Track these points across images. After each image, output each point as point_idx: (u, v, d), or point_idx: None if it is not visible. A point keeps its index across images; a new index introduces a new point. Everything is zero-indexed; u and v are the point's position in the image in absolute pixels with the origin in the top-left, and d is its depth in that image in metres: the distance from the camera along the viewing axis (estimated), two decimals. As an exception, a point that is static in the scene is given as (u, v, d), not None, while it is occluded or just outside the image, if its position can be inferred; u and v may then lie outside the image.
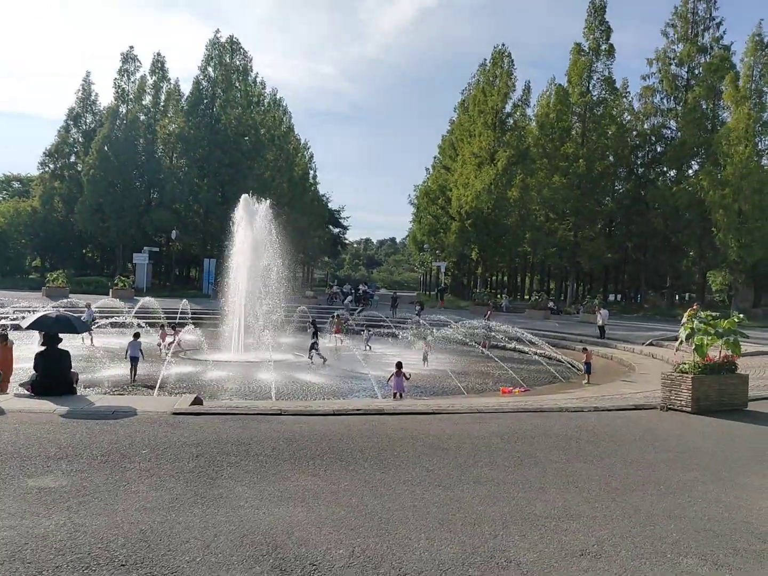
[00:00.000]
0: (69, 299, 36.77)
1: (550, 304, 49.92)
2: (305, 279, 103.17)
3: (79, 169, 68.14)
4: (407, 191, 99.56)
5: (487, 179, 53.27)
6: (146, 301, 35.16)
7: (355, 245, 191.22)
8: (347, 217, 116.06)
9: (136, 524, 5.03)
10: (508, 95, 57.69)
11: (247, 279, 27.30)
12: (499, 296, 63.73)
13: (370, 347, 28.10)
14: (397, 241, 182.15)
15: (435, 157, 74.91)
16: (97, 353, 24.25)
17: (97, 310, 32.80)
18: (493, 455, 7.72)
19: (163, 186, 63.67)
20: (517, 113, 59.96)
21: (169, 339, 23.82)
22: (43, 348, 10.44)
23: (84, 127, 70.78)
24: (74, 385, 10.57)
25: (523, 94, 59.46)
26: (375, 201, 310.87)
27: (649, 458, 8.05)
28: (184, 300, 37.55)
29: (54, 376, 10.16)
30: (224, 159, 61.26)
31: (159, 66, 67.83)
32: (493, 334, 29.13)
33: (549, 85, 61.31)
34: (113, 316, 30.82)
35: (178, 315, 36.35)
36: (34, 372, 10.41)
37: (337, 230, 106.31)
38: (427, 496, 6.07)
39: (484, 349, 26.80)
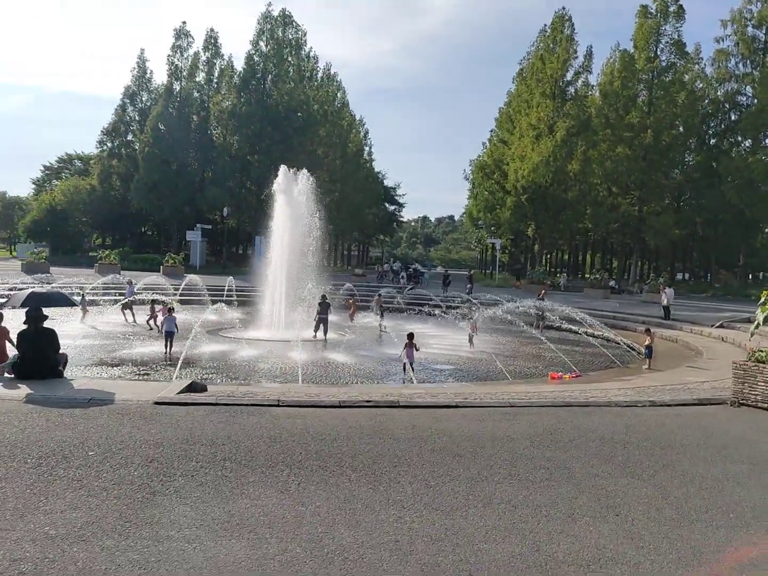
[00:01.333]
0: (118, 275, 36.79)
1: (611, 282, 47.40)
2: (360, 257, 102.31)
3: (135, 147, 68.61)
4: (465, 168, 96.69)
5: (545, 151, 50.70)
6: (191, 278, 34.85)
7: (412, 223, 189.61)
8: (403, 195, 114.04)
9: (19, 560, 3.85)
10: (569, 62, 54.69)
11: (287, 255, 26.26)
12: (557, 275, 61.22)
13: (383, 326, 26.49)
14: (456, 219, 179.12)
15: (491, 131, 72.34)
16: (136, 330, 23.92)
17: (143, 286, 32.65)
18: (516, 465, 6.26)
19: (215, 163, 63.44)
20: (579, 81, 56.91)
21: (161, 317, 23.03)
22: (24, 327, 9.50)
23: (140, 105, 71.09)
24: (60, 368, 9.59)
25: (584, 60, 56.29)
26: (433, 178, 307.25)
27: (716, 473, 6.43)
28: (230, 278, 36.92)
29: (36, 359, 9.21)
30: (275, 135, 60.47)
31: (212, 42, 67.29)
32: (547, 314, 27.26)
33: (612, 52, 57.78)
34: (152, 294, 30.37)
35: (225, 292, 35.91)
36: (16, 354, 9.49)
37: (392, 208, 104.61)
38: (418, 525, 4.69)
39: (536, 331, 25.05)
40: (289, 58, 66.50)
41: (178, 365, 16.18)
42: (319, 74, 76.81)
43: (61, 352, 9.83)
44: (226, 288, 36.39)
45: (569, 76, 55.68)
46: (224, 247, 68.79)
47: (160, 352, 18.36)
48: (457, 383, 16.37)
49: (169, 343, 18.02)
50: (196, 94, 65.68)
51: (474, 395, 10.05)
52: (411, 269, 53.57)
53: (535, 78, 55.11)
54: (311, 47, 74.26)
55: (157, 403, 7.99)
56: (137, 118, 70.62)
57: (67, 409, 7.60)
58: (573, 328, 25.52)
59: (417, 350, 16.14)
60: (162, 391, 8.70)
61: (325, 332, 22.86)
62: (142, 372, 16.23)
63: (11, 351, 10.36)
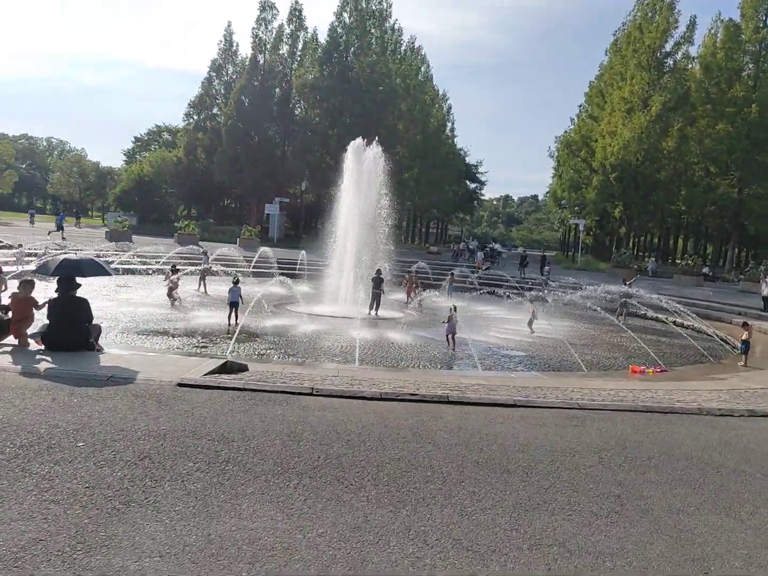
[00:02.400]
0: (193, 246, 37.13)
1: (705, 269, 44.22)
2: (438, 235, 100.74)
3: (220, 120, 69.36)
4: (551, 145, 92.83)
5: (637, 127, 47.59)
6: (264, 251, 34.77)
7: (494, 202, 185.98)
8: (485, 173, 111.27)
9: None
10: (669, 32, 50.91)
11: (355, 230, 25.48)
12: (645, 259, 57.95)
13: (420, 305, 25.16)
14: (539, 198, 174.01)
15: (580, 106, 68.80)
16: (205, 300, 23.82)
17: (219, 257, 32.80)
18: (578, 490, 5.08)
19: (295, 137, 63.28)
20: (678, 53, 52.93)
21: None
22: (55, 295, 8.98)
23: (225, 78, 71.65)
24: (91, 340, 9.04)
25: (686, 30, 52.23)
26: (518, 157, 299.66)
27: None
28: (303, 251, 36.59)
29: (65, 329, 8.67)
30: (356, 108, 59.62)
31: (296, 15, 66.71)
32: (631, 302, 25.25)
33: (714, 22, 53.41)
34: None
35: (297, 266, 35.69)
36: (46, 322, 9.00)
37: (473, 185, 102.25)
38: (440, 572, 3.65)
39: (618, 319, 23.29)
40: (373, 30, 65.26)
41: (233, 340, 15.70)
42: (403, 47, 75.05)
43: (94, 323, 9.29)
44: (298, 262, 36.18)
45: (668, 47, 51.95)
46: (302, 221, 68.88)
47: (224, 323, 18.05)
48: (525, 372, 15.12)
49: (234, 314, 17.89)
50: (279, 67, 65.43)
51: (538, 391, 8.84)
52: (488, 248, 51.84)
53: (631, 48, 51.70)
54: (396, 19, 72.43)
55: (180, 384, 7.26)
56: (222, 91, 71.27)
57: (81, 387, 6.96)
58: (659, 316, 23.58)
59: (457, 321, 17.01)
60: (191, 370, 7.97)
61: (377, 308, 22.29)
62: (200, 344, 15.89)
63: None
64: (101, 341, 9.85)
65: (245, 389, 7.27)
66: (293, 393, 7.33)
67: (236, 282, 18.42)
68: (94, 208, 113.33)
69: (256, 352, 15.33)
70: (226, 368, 8.50)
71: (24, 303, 9.09)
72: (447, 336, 17.04)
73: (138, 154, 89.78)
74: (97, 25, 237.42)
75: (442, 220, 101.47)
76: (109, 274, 9.71)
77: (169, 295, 21.36)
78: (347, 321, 20.39)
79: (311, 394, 7.36)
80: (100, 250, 34.56)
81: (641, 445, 6.41)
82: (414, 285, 27.72)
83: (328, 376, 9.91)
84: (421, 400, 7.49)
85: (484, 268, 41.13)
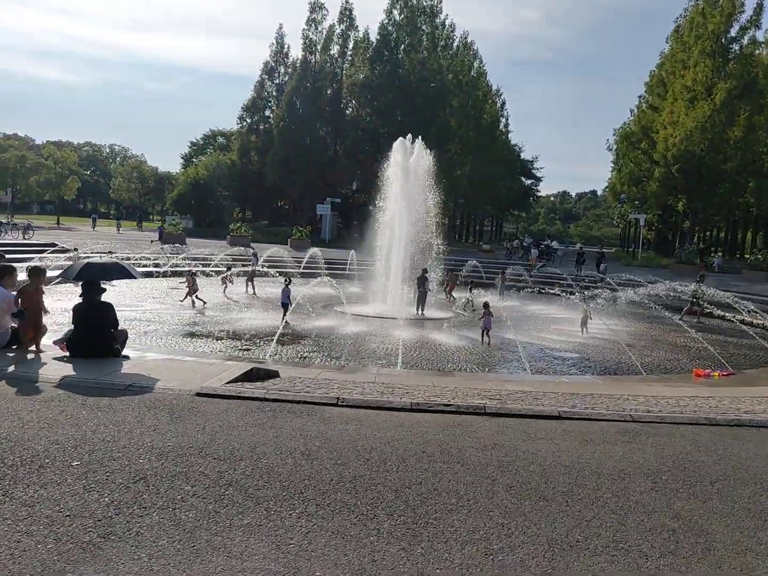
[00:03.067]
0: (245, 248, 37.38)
1: (776, 264, 41.81)
2: (493, 232, 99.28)
3: (272, 122, 69.89)
4: (609, 137, 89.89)
5: (701, 116, 45.47)
6: (313, 252, 34.71)
7: (551, 198, 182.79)
8: (540, 168, 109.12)
9: None
10: (734, 16, 48.49)
11: (403, 229, 24.95)
12: (711, 254, 55.45)
13: (471, 304, 24.31)
14: (598, 194, 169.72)
15: (640, 97, 66.36)
16: (254, 301, 23.74)
17: (269, 258, 32.87)
18: (625, 522, 4.37)
19: (347, 136, 63.16)
20: (744, 38, 50.36)
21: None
22: (80, 300, 8.71)
23: (277, 80, 72.11)
24: (117, 346, 8.74)
25: (753, 14, 49.62)
26: (576, 152, 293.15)
27: None
28: (352, 251, 36.33)
29: (88, 335, 8.40)
30: (406, 106, 59.04)
31: (347, 14, 66.57)
32: (698, 299, 23.70)
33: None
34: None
35: (347, 266, 35.53)
36: (71, 327, 8.75)
37: (529, 182, 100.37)
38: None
39: (685, 318, 22.07)
40: (423, 26, 64.63)
41: (273, 342, 15.40)
42: (455, 43, 74.09)
43: (120, 328, 9.01)
44: (348, 262, 35.95)
45: (733, 31, 49.55)
46: (354, 221, 68.68)
47: (268, 325, 17.82)
48: (578, 376, 14.25)
49: (284, 315, 17.95)
50: (329, 67, 65.44)
51: (588, 400, 8.08)
52: (543, 245, 50.46)
53: (694, 35, 49.50)
54: (446, 14, 71.65)
55: (198, 394, 6.85)
56: (274, 93, 71.79)
57: (94, 397, 6.62)
58: (726, 315, 22.17)
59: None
60: (214, 378, 7.56)
61: (423, 308, 22.04)
62: (243, 347, 15.70)
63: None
64: (128, 346, 9.56)
65: (266, 399, 6.81)
66: (317, 403, 6.82)
67: (288, 283, 18.84)
68: (155, 212, 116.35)
69: (299, 355, 14.98)
70: (253, 375, 8.07)
71: (35, 296, 8.81)
72: (482, 332, 17.38)
73: (194, 158, 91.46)
74: (157, 33, 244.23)
75: (497, 217, 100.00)
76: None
77: (187, 298, 21.08)
78: (393, 322, 19.89)
79: (336, 405, 6.84)
80: (152, 253, 35.11)
81: (703, 466, 5.62)
82: (453, 284, 27.30)
83: (362, 382, 9.39)
84: (455, 411, 6.87)
85: (539, 266, 39.97)
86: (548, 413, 6.99)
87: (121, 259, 29.60)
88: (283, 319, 17.89)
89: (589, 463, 5.50)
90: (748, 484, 5.26)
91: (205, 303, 21.19)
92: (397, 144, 26.62)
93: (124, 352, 9.24)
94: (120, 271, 8.84)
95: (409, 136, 27.54)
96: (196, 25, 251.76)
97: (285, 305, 18.37)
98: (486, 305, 17.55)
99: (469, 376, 12.89)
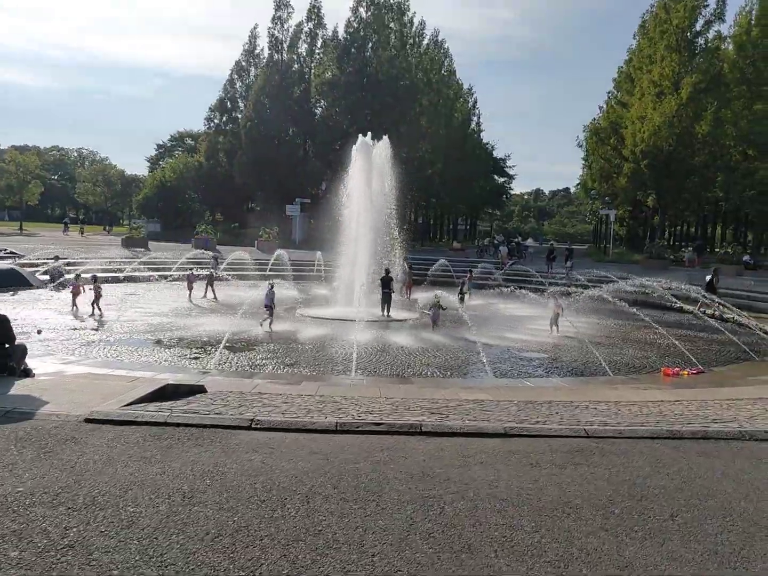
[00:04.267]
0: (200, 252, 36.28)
1: (745, 257, 41.73)
2: (468, 231, 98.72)
3: (240, 123, 68.50)
4: (579, 134, 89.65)
5: (668, 111, 45.19)
6: (280, 253, 33.89)
7: (525, 196, 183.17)
8: (513, 166, 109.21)
9: None
10: (698, 9, 48.29)
11: (364, 228, 24.18)
12: (681, 249, 55.32)
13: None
14: (571, 191, 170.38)
15: (608, 92, 65.98)
16: (214, 306, 23.12)
17: (233, 261, 31.91)
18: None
19: (316, 136, 62.07)
20: (709, 32, 50.15)
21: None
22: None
23: (247, 80, 70.59)
24: (11, 363, 7.76)
25: (717, 7, 49.45)
26: (549, 150, 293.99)
27: None
28: (318, 253, 35.47)
29: (-22, 352, 7.43)
30: (375, 104, 58.16)
31: (315, 12, 65.28)
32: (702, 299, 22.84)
33: (748, -2, 50.52)
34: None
35: (314, 267, 34.74)
36: (-37, 344, 7.75)
37: (502, 180, 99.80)
38: None
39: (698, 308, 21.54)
40: (391, 24, 63.72)
41: (219, 350, 14.52)
42: (425, 41, 73.28)
43: (17, 342, 8.03)
44: (315, 263, 35.13)
45: (698, 26, 49.25)
46: (326, 222, 67.63)
47: (230, 331, 16.69)
48: (542, 379, 13.50)
49: (270, 317, 18.38)
50: (296, 66, 64.25)
51: (543, 411, 7.28)
52: (513, 243, 49.87)
53: (659, 30, 49.19)
54: (414, 12, 70.94)
55: (88, 420, 5.91)
56: (245, 93, 70.23)
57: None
58: (690, 309, 21.59)
59: (444, 309, 19.58)
60: (115, 398, 6.62)
61: (388, 309, 21.54)
62: (193, 355, 14.92)
63: None
64: (60, 358, 8.56)
65: (168, 424, 5.88)
66: (228, 427, 5.91)
67: (272, 286, 18.96)
68: (125, 216, 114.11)
69: (251, 363, 14.13)
70: (168, 392, 7.14)
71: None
72: (432, 321, 19.27)
73: (161, 161, 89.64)
74: (128, 35, 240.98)
75: (471, 216, 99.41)
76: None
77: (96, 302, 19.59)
78: (356, 324, 19.07)
79: (249, 428, 5.94)
80: (108, 258, 33.98)
81: (663, 494, 4.81)
82: (411, 282, 27.14)
83: (297, 395, 8.52)
84: (386, 431, 5.99)
85: (510, 263, 39.37)
86: (492, 431, 6.15)
87: (66, 264, 28.55)
88: (267, 321, 18.07)
89: (530, 495, 4.66)
90: (715, 517, 4.47)
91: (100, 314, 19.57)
92: (359, 143, 25.85)
93: (40, 365, 8.27)
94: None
95: (369, 134, 26.80)
96: (167, 27, 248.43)
97: (268, 307, 18.38)
98: (436, 296, 19.74)
99: (426, 382, 12.10)
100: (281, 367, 13.89)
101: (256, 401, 7.38)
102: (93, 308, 19.53)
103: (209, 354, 14.85)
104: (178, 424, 5.89)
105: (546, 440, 6.02)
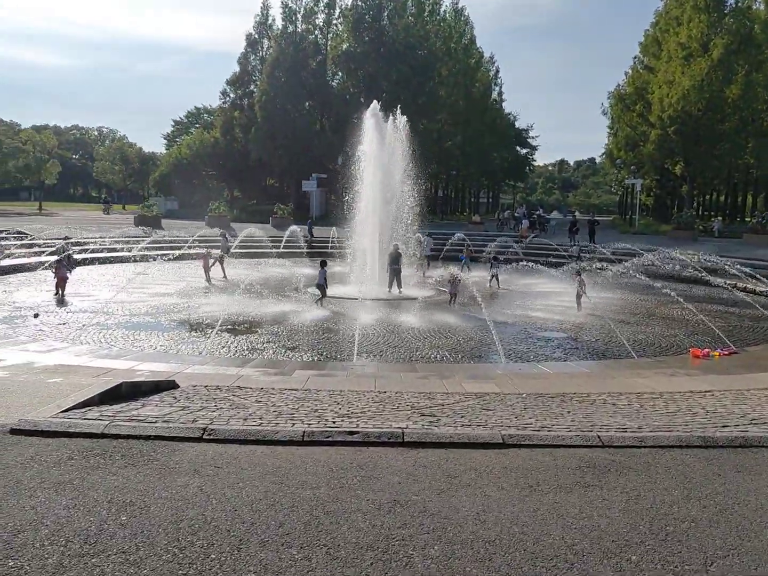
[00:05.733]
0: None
1: (779, 227, 39.86)
2: (490, 204, 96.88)
3: (256, 96, 67.17)
4: (603, 101, 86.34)
5: (697, 74, 43.09)
6: (292, 230, 33.01)
7: (549, 168, 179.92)
8: (536, 137, 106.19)
9: None
10: (727, -34, 45.89)
11: (378, 203, 23.19)
12: (710, 218, 53.36)
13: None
14: (597, 161, 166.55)
15: (634, 57, 63.41)
16: (222, 284, 22.41)
17: (245, 239, 31.11)
18: None
19: (332, 109, 60.67)
20: (741, -9, 47.73)
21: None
22: None
23: (261, 53, 68.98)
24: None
25: (749, -37, 46.99)
26: (574, 119, 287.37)
27: None
28: (334, 228, 34.57)
29: None
30: (392, 75, 56.49)
31: (332, -19, 63.43)
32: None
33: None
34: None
35: (329, 244, 33.82)
36: None
37: (524, 151, 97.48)
38: None
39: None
40: (408, -11, 61.80)
41: (214, 331, 13.75)
42: (442, 8, 71.02)
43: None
44: (330, 239, 34.23)
45: (728, -16, 46.90)
46: (341, 198, 66.46)
47: (235, 312, 16.47)
48: (560, 363, 12.44)
49: (322, 296, 18.42)
50: (311, 37, 62.58)
51: (552, 408, 6.29)
52: (534, 215, 48.34)
53: (687, -11, 46.90)
54: (433, -23, 68.33)
55: (14, 430, 5.07)
56: (259, 66, 68.65)
57: None
58: (723, 282, 20.34)
59: (460, 282, 19.07)
60: (55, 401, 5.76)
61: (399, 285, 20.88)
62: (191, 339, 14.42)
63: None
64: (40, 342, 7.76)
65: (105, 435, 5.00)
66: (175, 438, 5.02)
67: (323, 264, 18.87)
68: (146, 194, 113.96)
69: (251, 347, 13.32)
70: (122, 393, 6.27)
71: None
72: (450, 294, 19.06)
73: (178, 138, 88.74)
74: (149, 11, 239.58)
75: (492, 188, 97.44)
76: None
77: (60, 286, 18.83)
78: (367, 303, 18.18)
79: (201, 440, 5.03)
80: (117, 237, 33.41)
81: (693, 530, 3.80)
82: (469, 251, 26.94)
83: (279, 390, 7.64)
84: (361, 441, 5.05)
85: (532, 236, 38.05)
86: (487, 440, 5.16)
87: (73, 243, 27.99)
88: (319, 300, 18.11)
89: (525, 535, 3.69)
90: (762, 563, 3.47)
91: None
92: (370, 111, 24.74)
93: (17, 354, 7.49)
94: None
95: (382, 104, 25.66)
96: (188, 3, 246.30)
97: (320, 286, 18.49)
98: (452, 274, 19.35)
99: (430, 369, 11.12)
100: (282, 351, 13.09)
101: (226, 400, 6.51)
102: (58, 290, 18.71)
103: (208, 337, 14.08)
104: (116, 436, 5.01)
105: (551, 451, 5.03)
